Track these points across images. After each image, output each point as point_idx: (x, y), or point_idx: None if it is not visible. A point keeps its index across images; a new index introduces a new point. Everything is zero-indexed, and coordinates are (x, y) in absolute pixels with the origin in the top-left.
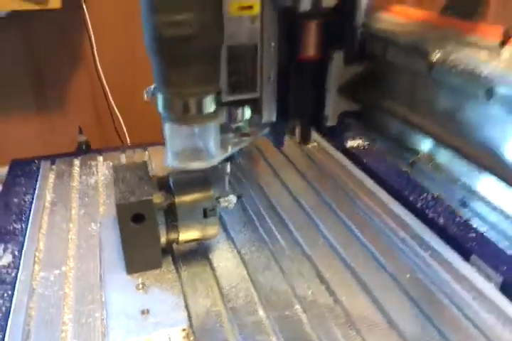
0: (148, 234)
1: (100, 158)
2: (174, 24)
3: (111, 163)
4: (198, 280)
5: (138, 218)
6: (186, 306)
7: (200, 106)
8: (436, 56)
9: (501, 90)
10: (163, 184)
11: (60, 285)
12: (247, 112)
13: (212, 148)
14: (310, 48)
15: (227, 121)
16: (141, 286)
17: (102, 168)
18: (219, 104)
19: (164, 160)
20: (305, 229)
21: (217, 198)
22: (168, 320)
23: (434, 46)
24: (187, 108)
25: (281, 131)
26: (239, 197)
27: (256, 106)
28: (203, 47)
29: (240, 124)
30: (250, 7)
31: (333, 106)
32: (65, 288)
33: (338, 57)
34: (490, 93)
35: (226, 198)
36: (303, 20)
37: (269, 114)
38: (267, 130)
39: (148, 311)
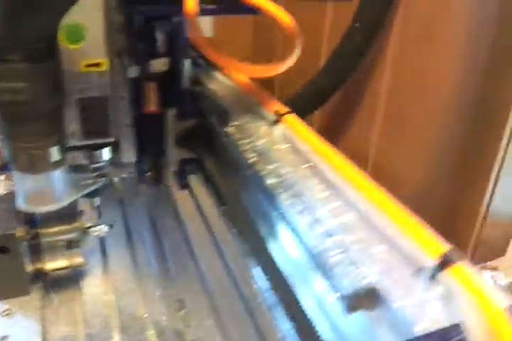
0: (14, 264)
1: (2, 177)
2: (10, 91)
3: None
4: (64, 307)
5: (2, 249)
6: (45, 332)
7: (43, 157)
8: (230, 126)
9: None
10: (30, 216)
11: None
12: (107, 153)
13: (60, 192)
14: (150, 104)
15: (88, 162)
16: (6, 313)
17: (1, 188)
18: (68, 149)
19: (16, 203)
20: (180, 255)
21: (88, 227)
22: None
23: (232, 116)
24: (31, 159)
25: (142, 170)
26: (111, 226)
27: (117, 148)
28: (40, 110)
29: (100, 165)
30: (97, 64)
31: (173, 154)
32: None
33: (171, 114)
34: (251, 167)
35: (97, 228)
36: (139, 81)
37: (128, 156)
38: (129, 169)
39: (7, 337)
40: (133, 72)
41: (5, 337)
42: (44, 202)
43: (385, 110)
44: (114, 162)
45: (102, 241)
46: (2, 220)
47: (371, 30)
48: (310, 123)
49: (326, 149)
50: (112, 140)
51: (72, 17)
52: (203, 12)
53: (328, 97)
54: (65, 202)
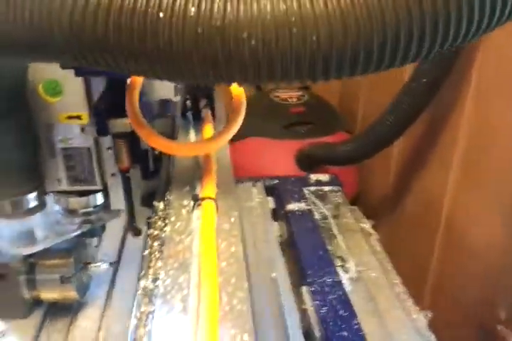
0: (10, 289)
1: None
2: None
3: None
4: (53, 337)
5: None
6: None
7: (21, 204)
8: (161, 201)
9: None
10: None
11: None
12: (97, 199)
13: (39, 236)
14: (121, 161)
15: (77, 207)
16: (1, 334)
17: None
18: (57, 193)
19: None
20: None
21: (88, 263)
22: None
23: (173, 186)
24: (9, 207)
25: (132, 219)
26: (110, 264)
27: (107, 194)
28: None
29: (90, 210)
30: (79, 117)
31: (139, 213)
32: None
33: (134, 173)
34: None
35: (96, 264)
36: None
37: (117, 203)
38: (118, 215)
39: None
40: (91, 131)
41: None
42: (23, 245)
43: (463, 157)
44: (106, 207)
45: (115, 271)
46: None
47: (437, 72)
48: (389, 158)
49: (210, 261)
50: (97, 188)
51: (50, 73)
52: None
53: (394, 138)
54: (43, 246)
